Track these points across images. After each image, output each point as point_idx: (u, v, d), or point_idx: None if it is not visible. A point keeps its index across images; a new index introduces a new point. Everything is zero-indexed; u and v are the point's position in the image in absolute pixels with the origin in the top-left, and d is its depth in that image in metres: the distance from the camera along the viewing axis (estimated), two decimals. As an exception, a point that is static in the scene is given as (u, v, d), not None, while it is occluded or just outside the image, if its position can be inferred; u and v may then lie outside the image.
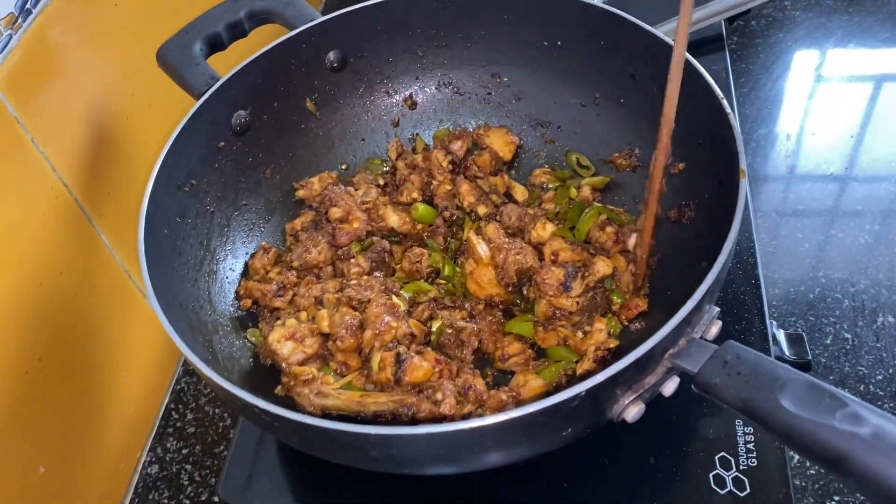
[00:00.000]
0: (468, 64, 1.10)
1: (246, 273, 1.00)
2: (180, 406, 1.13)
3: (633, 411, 0.67)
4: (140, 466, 1.07)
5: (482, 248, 0.94)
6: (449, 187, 1.05)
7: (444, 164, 1.05)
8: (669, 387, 0.70)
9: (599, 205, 0.99)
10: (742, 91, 1.46)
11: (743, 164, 0.75)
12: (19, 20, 0.86)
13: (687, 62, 0.85)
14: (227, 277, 0.96)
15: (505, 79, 1.11)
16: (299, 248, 0.99)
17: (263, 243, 1.02)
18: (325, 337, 0.88)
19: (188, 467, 1.06)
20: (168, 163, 0.87)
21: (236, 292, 0.97)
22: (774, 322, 0.97)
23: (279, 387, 0.86)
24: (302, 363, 0.86)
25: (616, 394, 0.66)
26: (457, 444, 0.64)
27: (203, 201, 0.95)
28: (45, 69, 0.90)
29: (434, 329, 0.90)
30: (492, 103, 1.12)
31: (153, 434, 1.11)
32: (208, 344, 0.85)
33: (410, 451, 0.66)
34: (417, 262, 0.97)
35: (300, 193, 1.06)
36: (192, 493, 1.03)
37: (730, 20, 1.32)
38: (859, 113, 1.40)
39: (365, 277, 0.94)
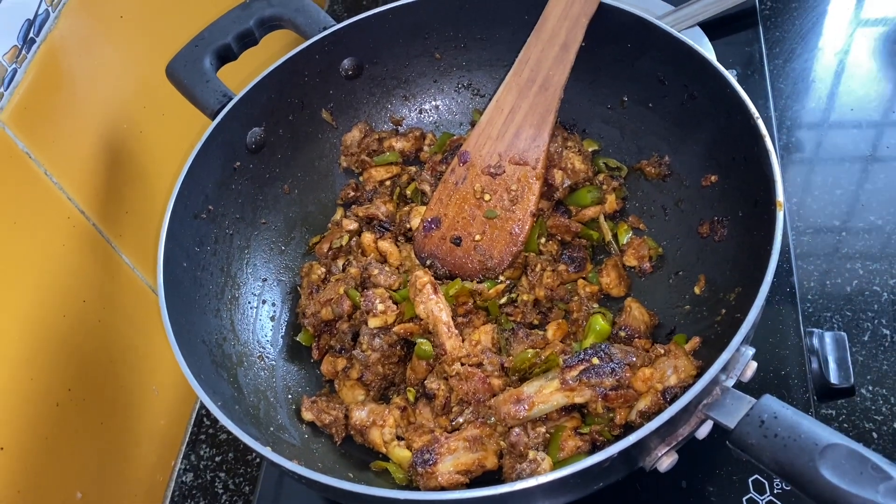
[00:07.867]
0: (488, 65, 1.06)
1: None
2: (211, 413, 1.13)
3: (666, 462, 0.66)
4: (175, 475, 1.08)
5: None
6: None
7: None
8: (703, 430, 0.68)
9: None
10: (776, 63, 1.39)
11: (780, 196, 0.71)
12: (23, 52, 0.83)
13: (721, 74, 0.81)
14: (249, 303, 0.95)
15: (527, 79, 1.06)
16: None
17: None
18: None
19: (222, 475, 1.07)
20: (183, 193, 0.85)
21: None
22: (814, 331, 0.94)
23: None
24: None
25: (649, 448, 0.65)
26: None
27: (221, 225, 0.93)
28: (53, 98, 0.88)
29: None
30: (513, 104, 1.08)
31: (186, 442, 1.11)
32: (233, 380, 0.84)
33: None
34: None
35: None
36: (226, 502, 1.04)
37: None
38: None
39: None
